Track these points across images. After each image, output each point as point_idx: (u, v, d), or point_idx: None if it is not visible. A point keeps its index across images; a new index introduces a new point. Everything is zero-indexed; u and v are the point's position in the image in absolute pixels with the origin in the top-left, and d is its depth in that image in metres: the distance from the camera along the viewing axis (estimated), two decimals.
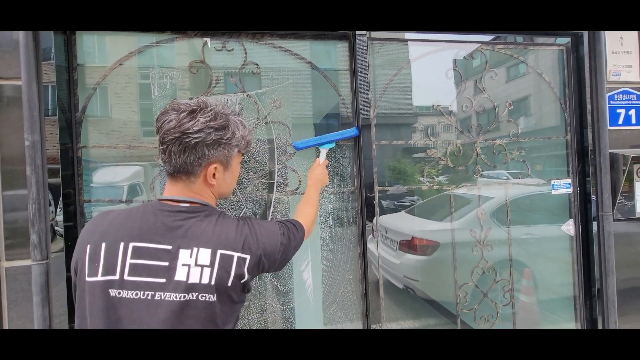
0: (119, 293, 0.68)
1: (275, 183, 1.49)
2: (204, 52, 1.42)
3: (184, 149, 0.72)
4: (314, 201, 1.13)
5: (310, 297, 1.63)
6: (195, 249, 0.71)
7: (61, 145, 1.28)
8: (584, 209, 1.76)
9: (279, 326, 1.59)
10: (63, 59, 1.31)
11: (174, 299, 0.68)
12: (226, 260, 0.72)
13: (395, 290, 3.31)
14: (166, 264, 0.69)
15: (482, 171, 1.71)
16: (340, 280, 1.61)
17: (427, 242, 3.01)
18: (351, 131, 1.36)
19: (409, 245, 3.12)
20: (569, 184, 1.75)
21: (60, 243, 1.30)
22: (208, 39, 1.42)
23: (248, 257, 0.75)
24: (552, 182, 1.73)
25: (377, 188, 1.55)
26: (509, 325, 1.81)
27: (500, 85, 1.73)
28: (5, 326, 1.21)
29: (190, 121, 0.72)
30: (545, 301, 2.43)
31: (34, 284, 1.18)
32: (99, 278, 0.69)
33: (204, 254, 0.71)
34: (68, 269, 1.31)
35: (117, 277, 0.68)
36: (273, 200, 1.50)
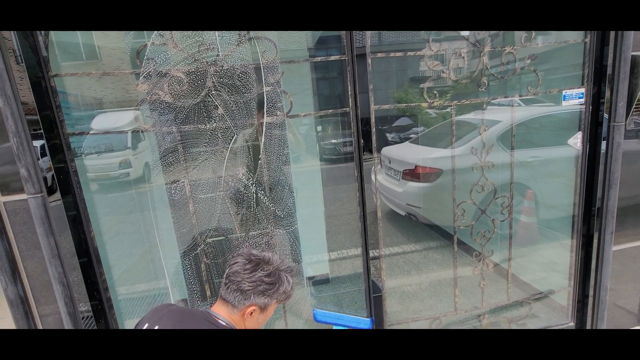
0: None
1: (265, 107, 1.42)
2: None
3: (237, 289, 0.93)
4: None
5: (312, 226, 1.67)
6: None
7: (31, 77, 1.19)
8: (594, 123, 1.65)
9: (287, 249, 1.65)
10: None
11: None
12: None
13: (398, 218, 3.41)
14: None
15: (489, 85, 1.58)
16: (341, 207, 1.61)
17: (430, 170, 2.99)
18: (366, 322, 1.48)
19: (412, 174, 3.11)
20: (582, 94, 1.61)
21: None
22: None
23: None
24: (564, 92, 1.60)
25: (372, 107, 1.46)
26: (505, 244, 1.85)
27: None
28: (17, 255, 1.27)
29: (250, 273, 0.94)
30: (545, 220, 2.47)
31: (34, 216, 1.20)
32: None
33: None
34: (68, 209, 1.32)
35: None
36: (264, 125, 1.43)
